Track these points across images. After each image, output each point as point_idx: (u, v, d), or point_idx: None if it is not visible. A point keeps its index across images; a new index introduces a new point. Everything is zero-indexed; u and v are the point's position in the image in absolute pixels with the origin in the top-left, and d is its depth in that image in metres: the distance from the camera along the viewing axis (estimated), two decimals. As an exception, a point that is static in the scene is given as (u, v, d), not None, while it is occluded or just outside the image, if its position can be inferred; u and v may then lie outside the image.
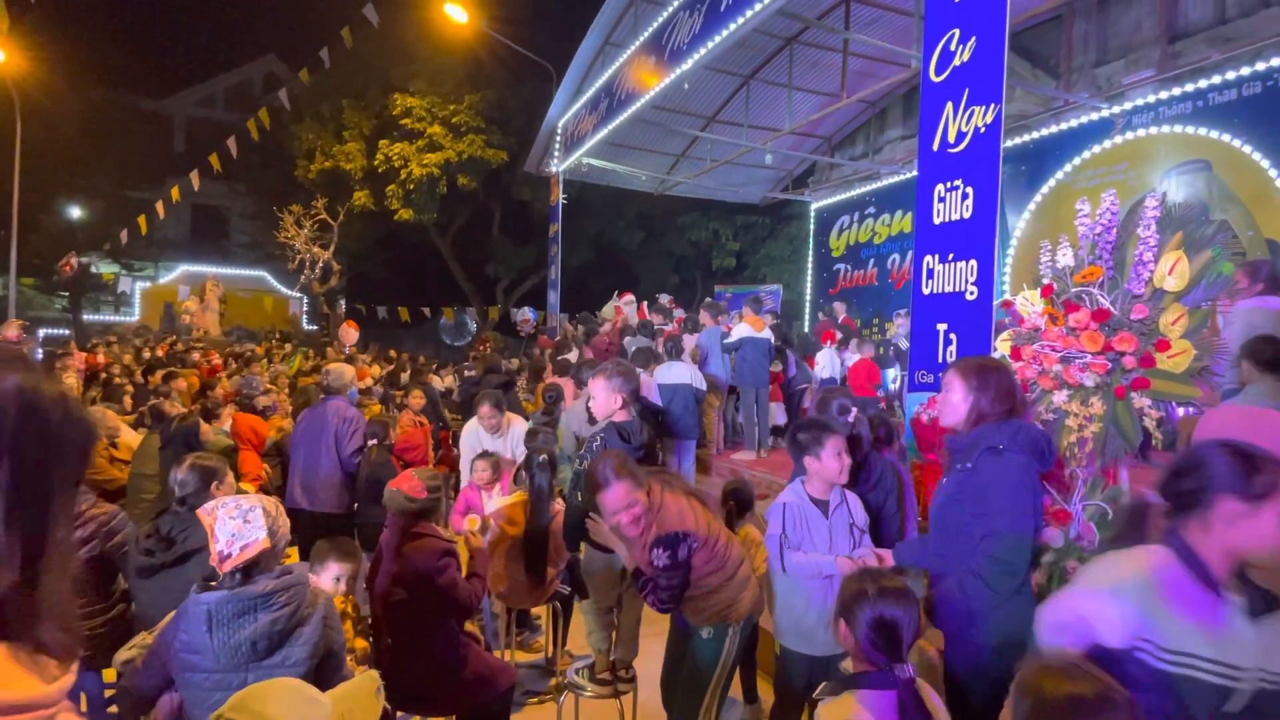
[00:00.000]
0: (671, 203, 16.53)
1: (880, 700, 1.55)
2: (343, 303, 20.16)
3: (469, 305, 20.59)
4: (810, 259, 13.05)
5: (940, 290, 4.19)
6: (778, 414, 7.56)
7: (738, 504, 3.37)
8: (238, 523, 1.73)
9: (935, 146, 4.17)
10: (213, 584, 1.75)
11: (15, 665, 0.60)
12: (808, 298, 13.16)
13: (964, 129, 3.98)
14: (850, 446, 2.84)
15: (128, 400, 6.65)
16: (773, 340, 6.79)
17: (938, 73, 4.11)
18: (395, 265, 21.36)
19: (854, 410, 3.03)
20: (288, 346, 13.91)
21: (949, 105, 4.03)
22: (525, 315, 13.37)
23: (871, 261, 11.63)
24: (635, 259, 20.61)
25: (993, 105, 3.74)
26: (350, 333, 11.35)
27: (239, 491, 2.28)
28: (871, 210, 11.63)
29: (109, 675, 2.41)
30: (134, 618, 2.56)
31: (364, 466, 3.87)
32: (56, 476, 0.67)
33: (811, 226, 12.98)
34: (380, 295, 19.39)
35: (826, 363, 7.68)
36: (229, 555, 1.70)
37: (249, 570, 1.75)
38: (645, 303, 9.76)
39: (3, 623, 0.61)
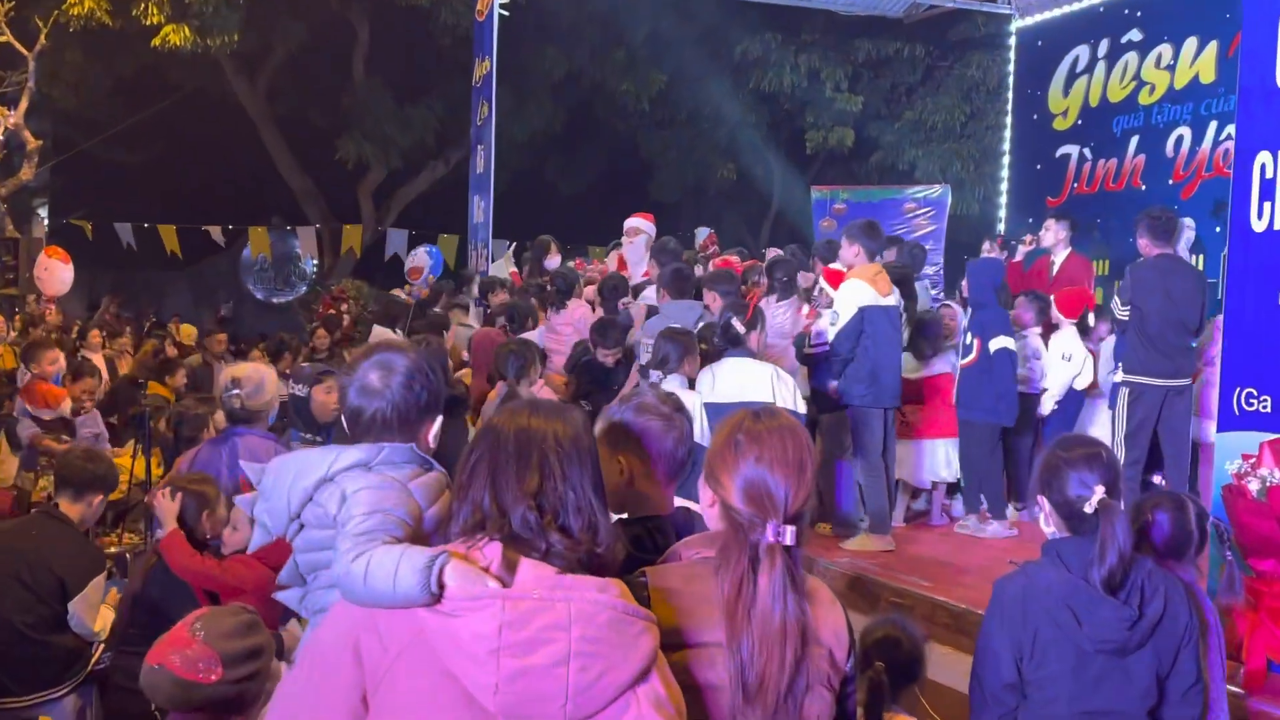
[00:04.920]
0: (717, 13, 15.75)
1: None
2: (44, 216, 19.52)
3: (302, 224, 19.97)
4: (1009, 133, 12.55)
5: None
6: (943, 458, 7.53)
7: (891, 671, 3.21)
8: None
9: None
10: None
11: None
12: (1002, 213, 12.44)
13: None
14: (1109, 567, 2.80)
15: None
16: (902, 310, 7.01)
17: None
18: (154, 141, 20.42)
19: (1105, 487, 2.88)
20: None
21: None
22: (419, 260, 13.26)
23: (1134, 141, 10.89)
24: (641, 129, 19.14)
25: None
26: (57, 271, 11.37)
27: None
28: (1135, 37, 10.87)
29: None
30: None
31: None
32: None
33: (1011, 68, 12.55)
34: (124, 202, 18.64)
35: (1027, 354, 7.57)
36: None
37: None
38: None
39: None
